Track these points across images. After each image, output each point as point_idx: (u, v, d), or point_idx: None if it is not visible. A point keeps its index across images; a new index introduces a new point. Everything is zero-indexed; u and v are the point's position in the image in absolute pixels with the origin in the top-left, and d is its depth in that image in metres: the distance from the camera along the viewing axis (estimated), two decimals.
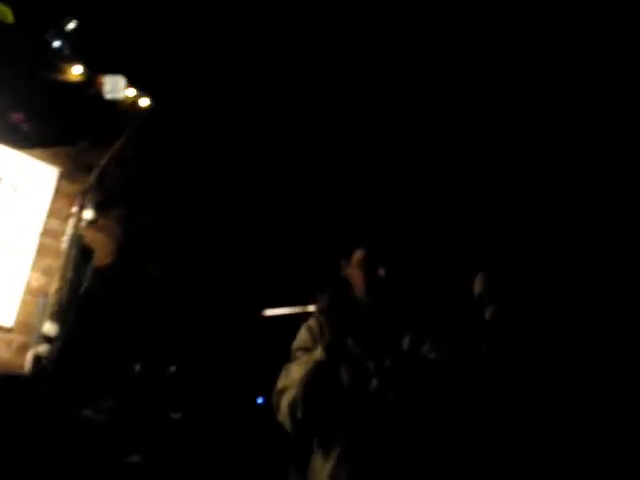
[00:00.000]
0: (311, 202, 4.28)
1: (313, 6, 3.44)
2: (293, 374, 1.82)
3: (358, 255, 1.96)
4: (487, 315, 2.05)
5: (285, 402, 1.79)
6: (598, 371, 2.07)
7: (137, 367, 3.72)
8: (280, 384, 1.87)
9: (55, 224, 3.69)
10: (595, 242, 3.25)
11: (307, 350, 1.87)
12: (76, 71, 3.57)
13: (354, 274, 1.94)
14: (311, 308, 1.86)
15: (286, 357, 1.94)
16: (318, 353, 1.76)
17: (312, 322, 1.95)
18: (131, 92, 3.73)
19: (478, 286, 2.13)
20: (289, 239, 4.17)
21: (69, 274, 3.54)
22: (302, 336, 1.97)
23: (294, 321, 1.94)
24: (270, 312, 1.93)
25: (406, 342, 1.87)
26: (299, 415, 1.75)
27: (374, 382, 1.79)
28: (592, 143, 3.44)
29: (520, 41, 3.34)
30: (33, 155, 3.63)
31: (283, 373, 1.88)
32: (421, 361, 1.82)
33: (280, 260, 4.15)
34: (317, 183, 4.29)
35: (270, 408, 1.88)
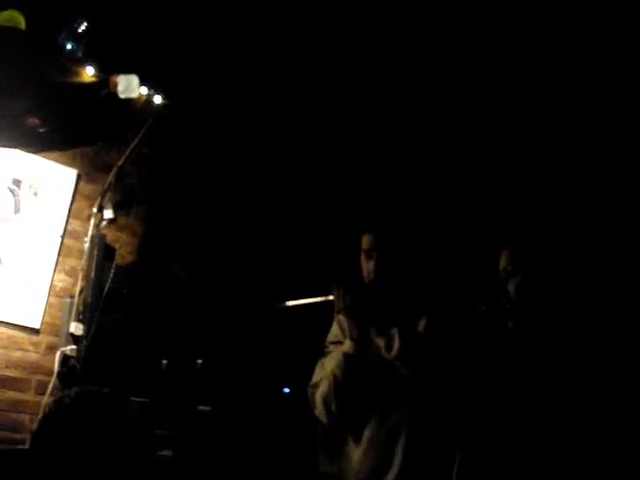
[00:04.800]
0: (320, 198, 4.28)
1: (322, 5, 3.44)
2: (326, 368, 1.85)
3: (363, 241, 2.00)
4: (511, 288, 1.98)
5: (319, 396, 1.82)
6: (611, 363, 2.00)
7: (164, 363, 3.75)
8: (315, 378, 1.90)
9: (76, 225, 3.74)
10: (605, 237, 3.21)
11: (339, 343, 1.89)
12: (89, 72, 3.59)
13: (362, 261, 1.98)
14: (332, 297, 1.86)
15: (309, 348, 1.95)
16: (346, 346, 1.78)
17: (342, 316, 1.96)
18: (145, 90, 3.74)
19: (503, 260, 2.08)
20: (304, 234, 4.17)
21: (92, 274, 3.58)
22: (334, 330, 2.00)
23: (316, 312, 1.95)
24: (292, 303, 1.94)
25: (422, 324, 1.87)
26: (333, 408, 1.77)
27: (397, 366, 1.80)
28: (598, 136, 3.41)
29: (520, 41, 3.31)
30: (51, 158, 3.66)
31: (318, 367, 1.92)
32: (437, 341, 1.82)
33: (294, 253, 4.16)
34: (330, 178, 4.28)
35: (297, 398, 1.91)
